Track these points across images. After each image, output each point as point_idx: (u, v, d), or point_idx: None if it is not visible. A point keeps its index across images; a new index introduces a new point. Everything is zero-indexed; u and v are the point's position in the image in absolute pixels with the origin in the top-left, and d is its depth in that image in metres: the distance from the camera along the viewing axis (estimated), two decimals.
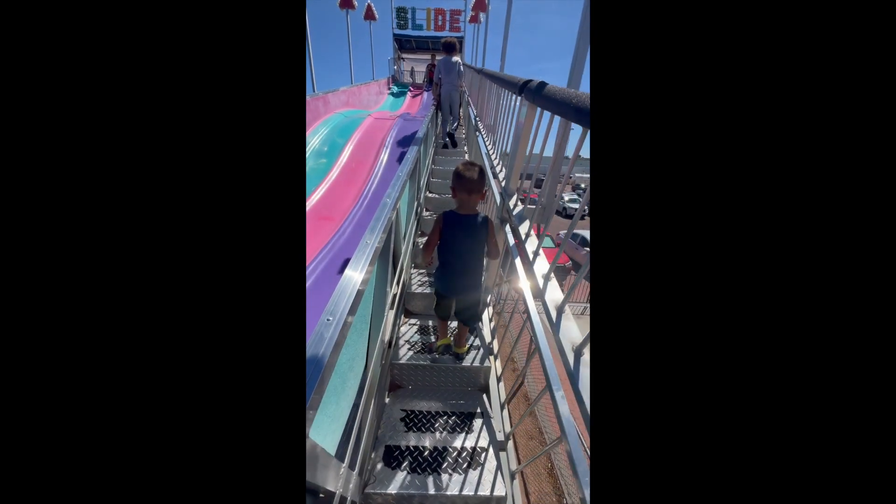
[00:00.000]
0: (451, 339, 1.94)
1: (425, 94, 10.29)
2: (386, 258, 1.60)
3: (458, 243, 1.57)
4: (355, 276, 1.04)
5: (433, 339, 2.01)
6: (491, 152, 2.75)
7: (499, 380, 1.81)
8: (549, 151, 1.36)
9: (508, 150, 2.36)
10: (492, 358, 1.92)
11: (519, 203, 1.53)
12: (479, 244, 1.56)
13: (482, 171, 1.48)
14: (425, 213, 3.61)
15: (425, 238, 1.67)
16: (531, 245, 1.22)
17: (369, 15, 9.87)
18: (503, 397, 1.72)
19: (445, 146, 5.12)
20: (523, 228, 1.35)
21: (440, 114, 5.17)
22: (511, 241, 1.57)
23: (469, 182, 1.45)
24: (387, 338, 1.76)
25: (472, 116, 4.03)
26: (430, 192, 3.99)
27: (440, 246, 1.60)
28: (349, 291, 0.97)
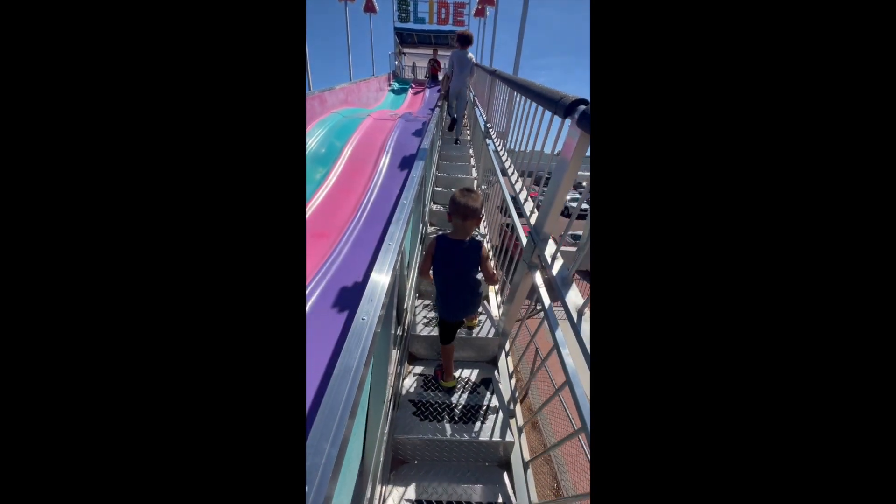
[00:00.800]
0: (455, 381, 1.83)
1: (427, 92, 9.88)
2: (389, 320, 1.29)
3: (449, 270, 1.57)
4: (348, 381, 0.72)
5: (436, 375, 1.88)
6: (499, 149, 2.49)
7: (526, 467, 1.49)
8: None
9: (516, 147, 2.23)
10: (515, 430, 1.60)
11: (559, 257, 1.19)
12: (472, 267, 1.56)
13: (479, 198, 1.48)
14: (430, 229, 3.39)
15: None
16: (585, 331, 0.89)
17: (369, 7, 9.35)
18: (534, 496, 1.39)
19: (456, 141, 5.05)
20: (573, 300, 1.01)
21: (447, 105, 4.85)
22: (546, 301, 1.25)
23: (464, 209, 1.45)
24: (389, 405, 1.44)
25: (482, 123, 3.69)
26: (434, 204, 3.73)
27: (435, 273, 1.61)
28: (339, 412, 0.66)
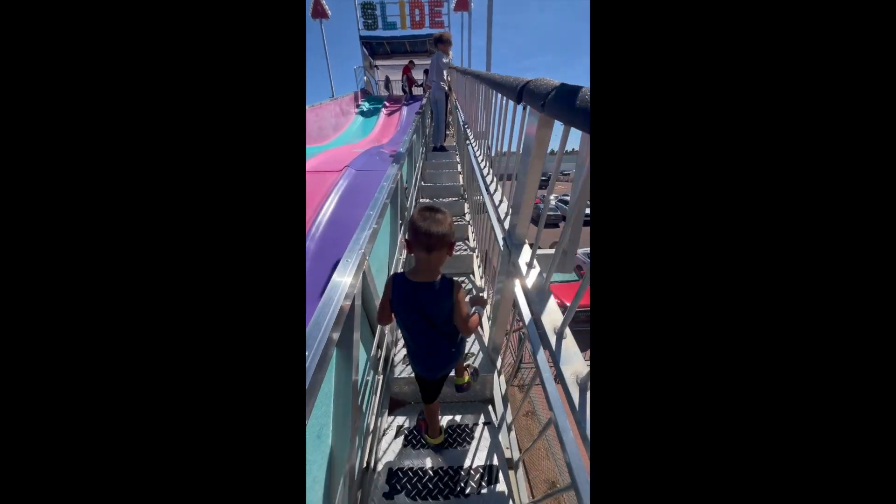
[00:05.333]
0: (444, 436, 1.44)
1: (404, 110, 7.84)
2: None
3: (411, 321, 1.07)
4: None
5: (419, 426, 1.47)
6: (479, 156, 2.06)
7: None
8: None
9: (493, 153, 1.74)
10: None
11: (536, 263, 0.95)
12: (446, 316, 1.05)
13: (448, 220, 0.96)
14: None
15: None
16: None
17: (319, 11, 7.34)
18: None
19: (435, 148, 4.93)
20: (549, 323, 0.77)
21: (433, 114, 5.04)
22: (527, 315, 0.89)
23: (426, 237, 0.92)
24: None
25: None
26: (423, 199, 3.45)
27: (397, 321, 1.13)
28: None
